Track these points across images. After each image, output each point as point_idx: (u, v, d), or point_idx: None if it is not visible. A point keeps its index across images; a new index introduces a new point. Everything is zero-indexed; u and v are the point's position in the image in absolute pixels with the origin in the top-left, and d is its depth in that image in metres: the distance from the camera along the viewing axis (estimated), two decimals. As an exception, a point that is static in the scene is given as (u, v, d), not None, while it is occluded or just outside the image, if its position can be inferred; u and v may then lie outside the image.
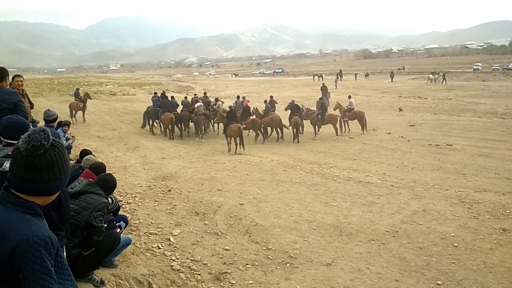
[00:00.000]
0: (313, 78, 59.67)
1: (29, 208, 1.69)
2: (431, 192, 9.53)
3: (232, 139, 15.26)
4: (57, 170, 1.70)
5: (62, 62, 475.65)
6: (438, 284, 5.54)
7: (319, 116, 17.84)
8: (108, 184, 4.47)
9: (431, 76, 44.98)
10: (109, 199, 4.62)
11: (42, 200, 1.75)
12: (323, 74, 61.36)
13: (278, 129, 17.68)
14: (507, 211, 8.06)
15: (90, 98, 22.51)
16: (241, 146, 15.25)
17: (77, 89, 24.09)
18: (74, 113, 20.35)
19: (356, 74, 61.12)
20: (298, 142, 16.76)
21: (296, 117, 17.23)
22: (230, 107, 18.42)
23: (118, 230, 4.87)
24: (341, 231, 7.33)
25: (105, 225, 4.22)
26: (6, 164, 2.75)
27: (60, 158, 1.71)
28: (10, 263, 1.60)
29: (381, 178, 10.90)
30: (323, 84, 29.78)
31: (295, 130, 17.12)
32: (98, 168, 5.07)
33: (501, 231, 7.15)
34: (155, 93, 22.94)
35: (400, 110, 19.14)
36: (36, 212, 1.73)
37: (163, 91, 25.89)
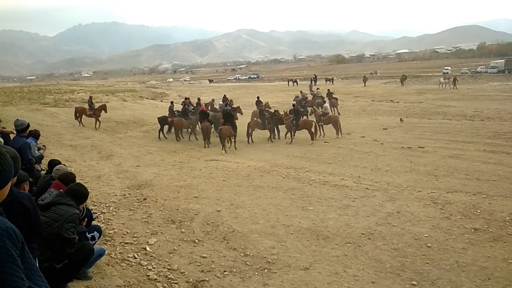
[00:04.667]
0: (288, 83, 60.13)
1: None
2: (404, 194, 9.70)
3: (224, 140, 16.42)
4: (6, 164, 1.81)
5: (32, 70, 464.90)
6: (413, 284, 5.63)
7: (294, 121, 17.97)
8: (78, 193, 4.36)
9: (441, 80, 44.68)
10: None
11: None
12: (297, 80, 61.90)
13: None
14: (478, 211, 8.27)
15: (106, 111, 22.54)
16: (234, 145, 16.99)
17: (91, 97, 24.75)
18: (79, 116, 21.36)
19: (332, 79, 61.77)
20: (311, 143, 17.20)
21: (307, 119, 17.67)
22: (226, 110, 19.58)
23: (92, 241, 4.77)
24: (318, 234, 7.38)
25: (77, 237, 4.12)
26: None
27: (2, 153, 1.82)
28: None
29: (356, 181, 11.04)
30: (329, 90, 30.08)
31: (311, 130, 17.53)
32: (67, 179, 4.95)
33: (472, 230, 7.33)
34: (172, 102, 23.43)
35: (401, 120, 19.30)
36: None
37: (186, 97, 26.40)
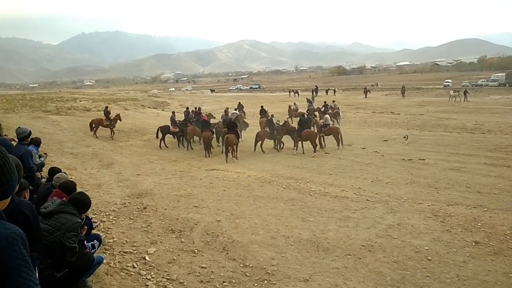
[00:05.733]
0: (289, 94, 60.28)
1: None
2: (405, 206, 9.68)
3: (229, 148, 16.59)
4: (7, 172, 1.83)
5: (35, 77, 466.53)
6: (413, 297, 5.59)
7: (298, 131, 17.99)
8: (81, 202, 4.37)
9: (452, 93, 44.12)
10: None
11: (0, 205, 1.87)
12: (298, 90, 62.12)
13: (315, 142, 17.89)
14: (479, 224, 8.24)
15: (120, 120, 23.01)
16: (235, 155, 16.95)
17: (107, 107, 25.02)
18: (95, 127, 21.64)
19: (327, 90, 61.90)
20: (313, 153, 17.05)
21: (310, 130, 17.69)
22: (230, 119, 19.64)
23: (91, 249, 4.76)
24: (318, 246, 7.35)
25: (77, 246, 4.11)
26: None
27: (6, 161, 1.85)
28: None
29: (356, 192, 11.02)
30: (325, 102, 30.26)
31: (312, 143, 17.38)
32: (68, 187, 4.96)
33: (473, 244, 7.30)
34: (173, 112, 23.47)
35: (404, 137, 18.89)
36: (2, 216, 1.83)
37: (198, 107, 26.80)
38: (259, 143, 18.61)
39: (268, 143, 19.24)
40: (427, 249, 7.08)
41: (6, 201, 1.90)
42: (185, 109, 26.06)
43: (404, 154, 16.17)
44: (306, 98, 36.85)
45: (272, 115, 23.98)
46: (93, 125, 21.86)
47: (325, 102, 29.57)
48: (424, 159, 15.14)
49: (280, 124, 19.32)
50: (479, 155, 15.76)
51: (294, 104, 30.91)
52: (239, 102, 32.83)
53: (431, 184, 11.78)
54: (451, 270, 6.34)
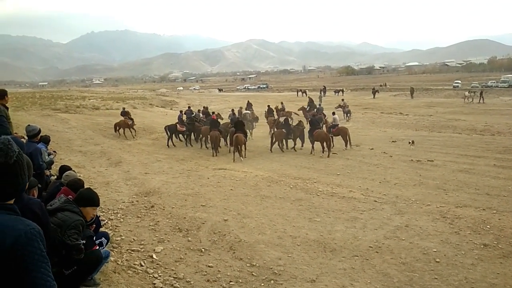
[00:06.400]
0: (297, 93, 60.13)
1: (11, 210, 1.84)
2: (413, 208, 9.62)
3: (238, 147, 16.62)
4: (26, 170, 1.88)
5: (44, 75, 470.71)
6: (421, 300, 5.56)
7: (310, 132, 17.97)
8: (86, 197, 4.37)
9: (467, 93, 43.19)
10: None
11: (12, 201, 1.90)
12: (306, 90, 61.92)
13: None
14: (488, 226, 8.17)
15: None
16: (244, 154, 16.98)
17: (124, 108, 26.23)
18: (119, 129, 22.13)
19: (338, 91, 61.54)
20: (328, 156, 16.80)
21: (321, 130, 17.57)
22: (238, 118, 19.96)
23: (99, 247, 4.77)
24: (325, 247, 7.33)
25: (83, 242, 4.10)
26: None
27: (24, 159, 1.89)
28: (11, 259, 1.69)
29: (364, 193, 10.98)
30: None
31: (324, 143, 17.21)
32: (76, 185, 4.98)
33: (482, 246, 7.24)
34: (181, 111, 23.62)
35: (410, 143, 18.22)
36: (18, 213, 1.86)
37: (205, 107, 27.42)
38: (276, 143, 18.59)
39: (268, 144, 19.27)
40: (435, 251, 7.03)
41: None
42: (186, 108, 25.96)
43: (413, 155, 16.07)
44: (309, 98, 37.08)
45: (289, 115, 24.22)
46: (118, 128, 22.19)
47: (309, 97, 30.03)
48: (432, 161, 15.04)
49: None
50: (488, 156, 15.63)
51: (282, 103, 31.17)
52: (248, 101, 32.99)
53: (439, 185, 11.70)
54: (460, 272, 6.30)
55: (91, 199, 4.42)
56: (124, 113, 23.52)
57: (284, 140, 18.75)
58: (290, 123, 20.29)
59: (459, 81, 69.88)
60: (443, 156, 15.91)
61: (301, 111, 28.36)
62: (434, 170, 13.68)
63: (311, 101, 34.07)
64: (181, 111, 23.24)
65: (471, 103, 39.97)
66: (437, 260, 6.71)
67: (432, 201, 10.14)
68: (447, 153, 16.67)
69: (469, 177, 12.53)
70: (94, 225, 4.92)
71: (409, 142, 18.01)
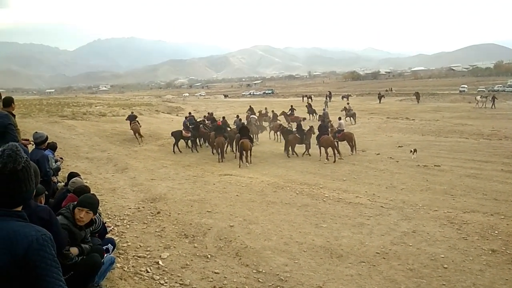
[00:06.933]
0: (303, 99, 60.12)
1: (20, 217, 1.87)
2: (420, 213, 9.56)
3: (244, 153, 16.72)
4: (33, 177, 1.91)
5: (51, 83, 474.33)
6: (429, 306, 5.50)
7: (318, 137, 17.97)
8: (83, 201, 4.34)
9: (478, 98, 42.25)
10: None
11: (20, 208, 1.92)
12: (312, 96, 61.90)
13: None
14: (496, 232, 8.10)
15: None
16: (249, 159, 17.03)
17: (132, 112, 27.27)
18: (137, 133, 22.57)
19: (345, 96, 61.35)
20: (334, 161, 16.75)
21: (327, 136, 17.52)
22: (243, 123, 20.13)
23: (106, 253, 4.78)
24: (332, 253, 7.30)
25: (67, 248, 4.02)
26: None
27: (31, 166, 1.92)
28: (23, 265, 1.73)
29: (370, 199, 10.93)
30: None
31: (329, 149, 17.18)
32: (82, 192, 4.99)
33: (490, 252, 7.17)
34: (186, 117, 23.75)
35: (412, 152, 17.33)
36: (27, 220, 1.89)
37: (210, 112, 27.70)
38: (290, 147, 18.66)
39: (276, 149, 19.28)
40: (443, 257, 6.97)
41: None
42: (188, 114, 26.24)
43: (419, 160, 15.99)
44: (308, 103, 37.48)
45: (303, 119, 24.40)
46: (137, 134, 22.61)
47: (308, 102, 30.34)
48: (439, 166, 14.96)
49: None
50: (495, 161, 15.51)
51: (265, 109, 31.87)
52: (250, 106, 33.19)
53: (447, 190, 11.62)
54: (468, 278, 6.24)
55: (87, 202, 4.35)
56: (133, 117, 23.76)
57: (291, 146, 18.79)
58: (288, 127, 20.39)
59: (466, 86, 69.63)
60: (450, 161, 15.82)
61: (283, 115, 29.58)
62: (441, 175, 13.60)
63: (309, 106, 34.91)
64: (186, 117, 23.40)
65: (483, 108, 39.42)
66: (445, 266, 6.66)
67: (440, 206, 10.07)
68: (454, 158, 16.58)
69: (476, 182, 12.44)
70: (97, 234, 4.93)
71: (411, 151, 17.14)
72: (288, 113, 30.41)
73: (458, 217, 9.11)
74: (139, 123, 23.20)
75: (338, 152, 17.11)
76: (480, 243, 7.57)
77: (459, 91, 64.64)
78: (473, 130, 25.13)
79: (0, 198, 1.82)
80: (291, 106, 33.31)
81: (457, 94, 59.19)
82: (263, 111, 31.18)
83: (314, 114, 33.72)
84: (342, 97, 58.31)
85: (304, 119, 26.64)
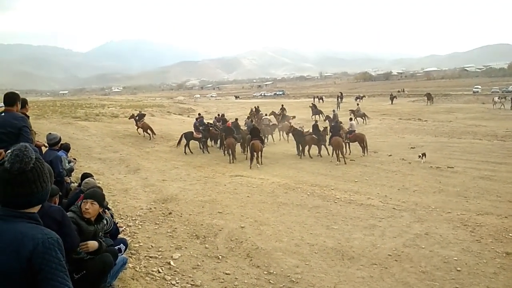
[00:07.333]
0: (314, 100, 59.90)
1: (32, 218, 1.86)
2: (433, 215, 9.47)
3: (255, 154, 16.73)
4: (45, 178, 1.90)
5: (64, 84, 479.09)
6: (442, 309, 5.45)
7: (330, 138, 17.94)
8: (89, 193, 4.41)
9: (496, 99, 40.92)
10: (103, 220, 4.57)
11: (35, 210, 1.92)
12: (323, 96, 61.63)
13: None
14: (510, 234, 7.99)
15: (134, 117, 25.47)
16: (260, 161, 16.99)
17: (140, 111, 28.61)
18: (146, 130, 23.65)
19: (358, 97, 60.58)
20: (345, 163, 16.70)
21: (338, 137, 17.44)
22: (253, 125, 20.28)
23: (118, 254, 4.81)
24: (343, 254, 7.26)
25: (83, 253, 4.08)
26: None
27: (44, 167, 1.91)
28: (29, 268, 1.73)
29: (382, 200, 10.86)
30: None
31: (338, 151, 17.12)
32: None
33: (504, 255, 7.08)
34: (197, 118, 24.16)
35: (420, 156, 16.38)
36: (39, 222, 1.89)
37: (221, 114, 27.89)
38: (307, 148, 18.75)
39: (287, 150, 19.27)
40: (456, 260, 6.90)
41: (39, 206, 1.95)
42: (197, 115, 26.72)
43: (432, 162, 15.83)
44: (312, 103, 37.51)
45: (293, 117, 24.55)
46: (145, 130, 23.74)
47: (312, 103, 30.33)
48: (452, 167, 14.79)
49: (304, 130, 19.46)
50: (510, 163, 15.28)
51: (255, 107, 32.59)
52: (258, 106, 33.35)
53: (460, 192, 11.49)
54: (481, 281, 6.16)
55: (90, 193, 4.44)
56: (142, 116, 24.80)
57: (300, 146, 18.79)
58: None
59: (479, 86, 68.66)
60: (464, 163, 15.63)
61: (272, 115, 29.63)
62: (455, 177, 13.45)
63: (314, 107, 34.85)
64: (196, 119, 23.59)
65: (499, 109, 38.66)
66: (458, 269, 6.59)
67: (453, 208, 9.96)
68: (467, 159, 16.38)
69: (490, 184, 12.28)
70: (108, 234, 4.97)
71: (420, 156, 16.37)
72: (278, 113, 30.50)
73: (471, 219, 9.01)
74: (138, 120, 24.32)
75: (342, 155, 17.01)
76: (494, 246, 7.48)
77: (473, 91, 63.74)
78: (487, 131, 24.79)
79: (10, 199, 1.82)
80: (282, 105, 33.35)
81: (470, 95, 58.43)
82: (254, 110, 31.82)
83: (320, 115, 33.64)
84: (356, 98, 57.59)
85: (294, 117, 26.67)
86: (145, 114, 25.58)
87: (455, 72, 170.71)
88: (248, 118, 23.97)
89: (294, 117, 26.22)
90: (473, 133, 24.39)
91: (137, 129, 24.28)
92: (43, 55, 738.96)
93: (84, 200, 4.32)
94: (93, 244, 4.06)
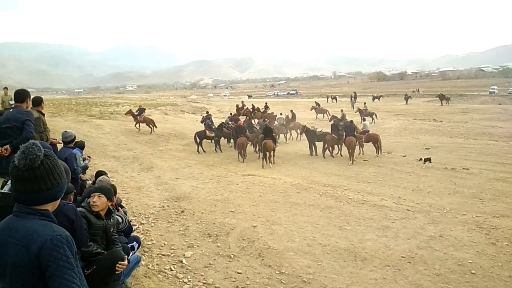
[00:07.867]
0: (327, 100, 59.55)
1: (44, 215, 1.87)
2: (447, 217, 9.35)
3: (267, 153, 16.64)
4: (56, 175, 1.89)
5: (80, 83, 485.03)
6: (456, 313, 5.38)
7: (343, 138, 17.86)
8: (97, 187, 4.48)
9: None
10: (119, 218, 4.61)
11: (51, 207, 1.93)
12: (337, 96, 61.24)
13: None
14: (527, 237, 7.85)
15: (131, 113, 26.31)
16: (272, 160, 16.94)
17: (140, 106, 29.88)
18: (149, 123, 24.38)
19: (376, 97, 59.45)
20: (352, 163, 16.63)
21: (351, 137, 17.37)
22: (266, 124, 20.31)
23: (131, 251, 4.85)
24: (356, 256, 7.22)
25: (93, 246, 4.12)
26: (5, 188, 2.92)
27: (55, 165, 1.91)
28: (38, 265, 1.74)
29: (396, 201, 10.76)
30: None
31: (350, 150, 17.06)
32: None
33: (520, 258, 6.96)
34: (208, 112, 24.95)
35: (421, 159, 15.75)
36: (52, 219, 1.89)
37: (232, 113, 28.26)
38: (327, 148, 18.65)
39: (300, 150, 19.21)
40: (470, 263, 6.81)
41: (56, 203, 1.97)
42: (205, 113, 27.12)
43: (447, 163, 15.63)
44: (315, 102, 37.58)
45: (281, 114, 24.75)
46: (151, 124, 24.38)
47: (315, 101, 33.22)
48: (468, 169, 14.59)
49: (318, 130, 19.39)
50: (527, 165, 15.02)
51: (242, 102, 34.08)
52: (266, 103, 33.53)
53: (475, 194, 11.33)
54: (496, 285, 6.07)
55: (97, 188, 4.51)
56: (142, 110, 25.67)
57: (313, 146, 18.74)
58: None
59: (496, 87, 67.52)
60: (479, 164, 15.40)
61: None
62: (470, 179, 13.26)
63: (317, 105, 36.22)
64: (204, 117, 23.84)
65: None
66: (473, 271, 6.49)
67: (468, 210, 9.83)
68: (483, 161, 16.13)
69: (506, 186, 12.08)
70: (122, 233, 5.01)
71: (422, 160, 15.62)
72: (262, 110, 30.62)
73: (487, 221, 8.88)
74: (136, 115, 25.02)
75: (352, 156, 16.91)
76: (509, 249, 7.36)
77: (489, 92, 62.70)
78: (503, 132, 24.40)
79: (21, 195, 1.84)
80: (266, 103, 33.78)
81: (486, 96, 57.52)
82: (240, 106, 32.38)
83: (326, 114, 33.57)
84: (373, 98, 56.70)
85: (281, 114, 26.55)
86: (145, 109, 26.57)
87: (471, 72, 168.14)
88: (231, 114, 24.76)
89: (281, 114, 26.47)
90: (489, 134, 24.04)
91: (135, 125, 24.76)
92: (60, 54, 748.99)
93: (92, 194, 4.38)
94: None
